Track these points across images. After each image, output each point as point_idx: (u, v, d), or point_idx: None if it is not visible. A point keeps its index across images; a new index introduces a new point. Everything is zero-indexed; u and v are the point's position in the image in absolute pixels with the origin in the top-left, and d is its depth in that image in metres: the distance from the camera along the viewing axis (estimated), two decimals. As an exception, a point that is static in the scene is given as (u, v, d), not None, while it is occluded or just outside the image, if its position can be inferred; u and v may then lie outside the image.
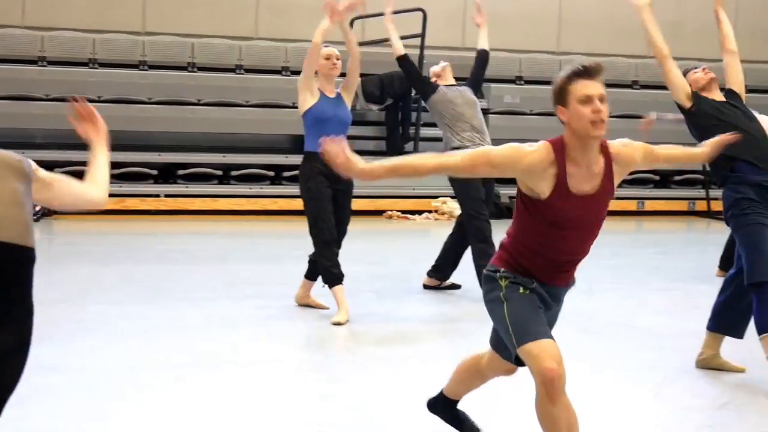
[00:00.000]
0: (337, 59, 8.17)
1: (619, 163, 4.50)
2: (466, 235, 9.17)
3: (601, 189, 4.44)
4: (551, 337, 4.35)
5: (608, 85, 4.32)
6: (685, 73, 6.78)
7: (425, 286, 9.57)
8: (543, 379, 4.25)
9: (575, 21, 18.43)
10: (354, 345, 7.52)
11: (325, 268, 8.01)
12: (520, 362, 4.48)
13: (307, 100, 8.06)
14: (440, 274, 9.53)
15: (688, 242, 14.68)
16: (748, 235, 6.37)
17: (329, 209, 8.00)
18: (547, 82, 20.74)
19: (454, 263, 9.47)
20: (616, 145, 4.52)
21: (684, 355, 7.07)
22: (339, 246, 8.11)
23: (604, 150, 4.45)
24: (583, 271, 4.70)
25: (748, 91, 6.94)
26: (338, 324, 7.87)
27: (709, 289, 9.37)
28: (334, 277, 8.00)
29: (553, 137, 4.45)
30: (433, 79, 9.54)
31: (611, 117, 4.58)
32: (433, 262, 9.54)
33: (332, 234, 7.99)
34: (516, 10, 17.98)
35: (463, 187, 9.09)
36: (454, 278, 9.50)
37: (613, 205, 4.61)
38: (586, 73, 4.33)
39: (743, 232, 6.40)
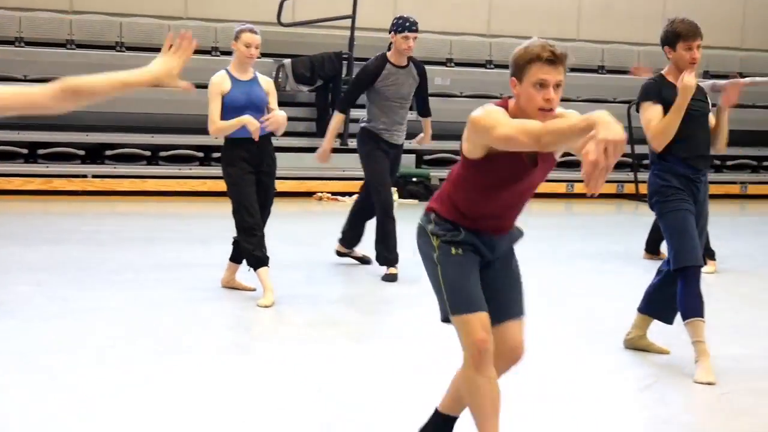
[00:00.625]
0: (256, 48, 8.06)
1: None
2: (373, 205, 9.32)
3: (542, 158, 4.30)
4: (485, 307, 4.32)
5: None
6: (675, 33, 6.40)
7: (338, 253, 9.82)
8: (474, 350, 4.27)
9: (506, 3, 18.47)
10: (280, 327, 7.47)
11: (247, 251, 7.97)
12: (448, 320, 4.44)
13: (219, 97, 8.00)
14: (347, 241, 9.78)
15: (616, 224, 14.79)
16: (673, 221, 6.41)
17: (251, 194, 7.96)
18: (478, 65, 20.64)
19: (359, 232, 9.72)
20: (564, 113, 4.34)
21: (610, 335, 7.13)
22: (263, 227, 8.07)
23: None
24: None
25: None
26: (264, 306, 7.83)
27: (635, 271, 9.47)
28: (257, 260, 7.97)
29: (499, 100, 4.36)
30: None
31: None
32: (340, 232, 9.82)
33: (255, 219, 7.95)
34: (447, -8, 18.00)
35: (369, 163, 9.22)
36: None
37: (543, 187, 4.55)
38: (550, 59, 4.20)
39: (668, 218, 6.44)
